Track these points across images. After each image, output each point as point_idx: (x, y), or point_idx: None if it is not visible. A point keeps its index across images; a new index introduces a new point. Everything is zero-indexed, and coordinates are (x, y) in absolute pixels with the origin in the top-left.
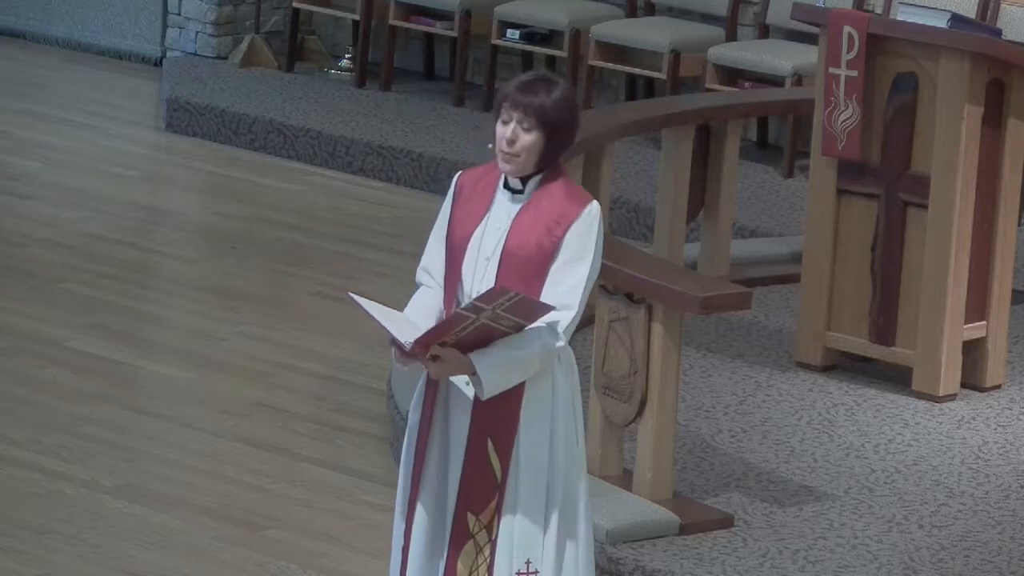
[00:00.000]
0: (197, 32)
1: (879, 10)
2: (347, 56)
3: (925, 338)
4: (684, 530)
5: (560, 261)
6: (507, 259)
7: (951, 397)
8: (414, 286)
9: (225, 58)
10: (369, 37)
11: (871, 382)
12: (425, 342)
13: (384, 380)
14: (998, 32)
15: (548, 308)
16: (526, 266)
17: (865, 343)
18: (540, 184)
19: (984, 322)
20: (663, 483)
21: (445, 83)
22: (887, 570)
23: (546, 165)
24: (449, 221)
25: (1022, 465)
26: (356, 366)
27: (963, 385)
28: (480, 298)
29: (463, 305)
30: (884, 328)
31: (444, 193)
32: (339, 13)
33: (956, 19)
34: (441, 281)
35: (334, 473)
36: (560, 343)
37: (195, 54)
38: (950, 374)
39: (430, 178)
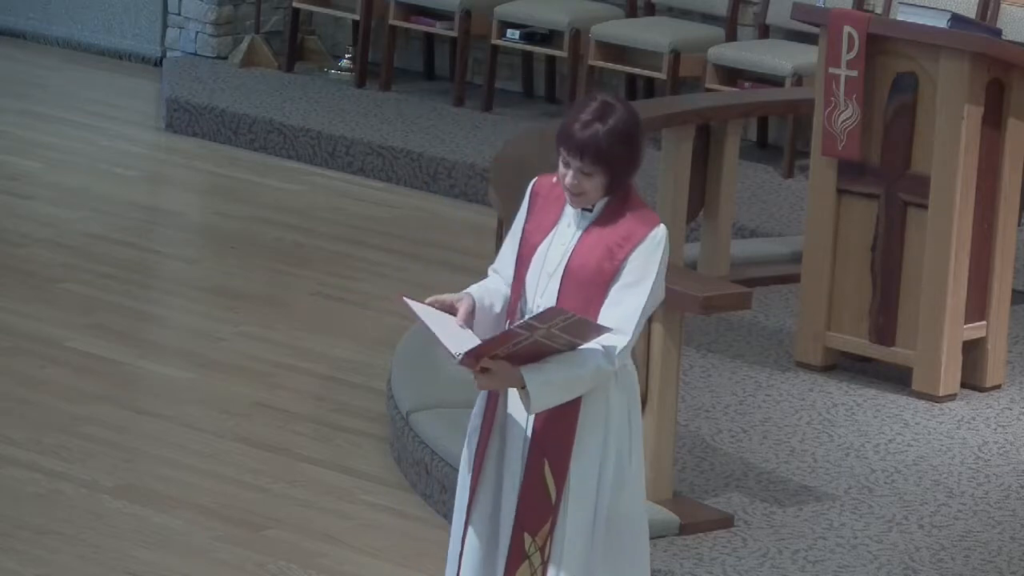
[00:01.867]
0: (197, 32)
1: (879, 10)
2: (347, 56)
3: (925, 338)
4: (684, 530)
5: (620, 284)
6: (568, 278)
7: (951, 397)
8: (414, 286)
9: (225, 58)
10: (369, 37)
11: (871, 382)
12: (476, 355)
13: (384, 380)
14: (998, 32)
15: (604, 329)
16: (586, 287)
17: (865, 343)
18: (608, 204)
19: (984, 322)
20: (663, 483)
21: (445, 83)
22: (887, 570)
23: (614, 191)
24: (524, 228)
25: (1022, 465)
26: (356, 366)
27: (963, 385)
28: (536, 317)
29: (517, 323)
30: (884, 328)
31: (443, 193)
32: (339, 13)
33: (956, 19)
34: (510, 282)
35: (334, 473)
36: (612, 368)
37: (195, 54)
38: (950, 374)
39: (430, 178)
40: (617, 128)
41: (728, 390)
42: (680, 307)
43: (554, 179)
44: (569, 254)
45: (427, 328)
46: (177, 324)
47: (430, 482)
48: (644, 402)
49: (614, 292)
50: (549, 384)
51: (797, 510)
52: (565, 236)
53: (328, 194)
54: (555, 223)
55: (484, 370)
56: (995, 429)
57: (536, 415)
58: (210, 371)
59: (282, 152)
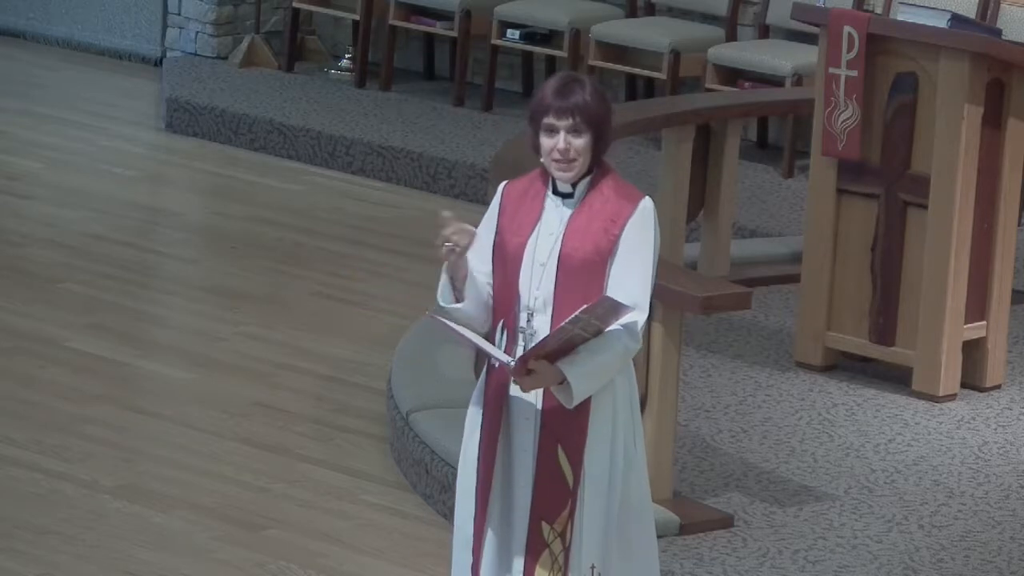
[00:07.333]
0: (197, 32)
1: (879, 10)
2: (347, 56)
3: (925, 338)
4: (684, 530)
5: (620, 260)
6: (564, 263)
7: (951, 397)
8: (414, 286)
9: (225, 58)
10: (369, 37)
11: (871, 382)
12: (527, 358)
13: (384, 380)
14: (998, 32)
15: (627, 309)
16: (584, 268)
17: (865, 343)
18: (590, 185)
19: (984, 322)
20: (663, 483)
21: (445, 83)
22: (887, 570)
23: (595, 165)
24: (497, 232)
25: (1022, 465)
26: (356, 366)
27: (963, 385)
28: (584, 310)
29: (569, 320)
30: (884, 328)
31: (443, 193)
32: (339, 13)
33: (956, 19)
34: (485, 272)
35: (334, 473)
36: (638, 345)
37: (195, 54)
38: (950, 374)
39: (430, 178)
40: (595, 89)
41: (728, 390)
42: (680, 307)
43: (525, 181)
44: (560, 240)
45: (475, 344)
46: (177, 324)
47: (430, 482)
48: (644, 402)
49: (615, 270)
50: (587, 374)
51: (797, 510)
52: (551, 226)
53: (328, 194)
54: (538, 218)
55: (529, 371)
56: (995, 429)
57: (544, 402)
58: (210, 371)
59: (282, 152)
